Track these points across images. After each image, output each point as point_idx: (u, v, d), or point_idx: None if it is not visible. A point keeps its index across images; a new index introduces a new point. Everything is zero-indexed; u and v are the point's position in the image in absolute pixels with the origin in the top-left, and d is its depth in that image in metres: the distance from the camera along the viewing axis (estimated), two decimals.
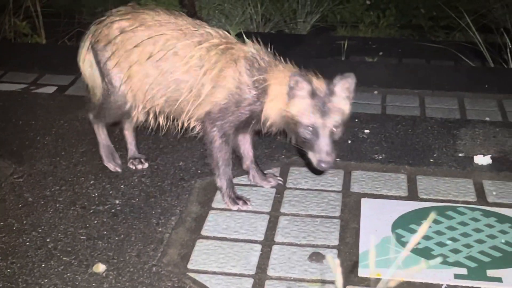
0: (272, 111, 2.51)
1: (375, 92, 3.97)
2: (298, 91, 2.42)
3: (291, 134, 2.50)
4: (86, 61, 2.78)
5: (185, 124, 2.64)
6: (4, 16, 4.95)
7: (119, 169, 2.86)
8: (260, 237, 2.46)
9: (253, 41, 2.61)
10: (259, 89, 2.52)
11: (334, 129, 2.40)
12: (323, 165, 2.39)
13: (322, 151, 2.39)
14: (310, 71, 2.51)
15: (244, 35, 2.76)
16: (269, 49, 2.63)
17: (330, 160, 2.39)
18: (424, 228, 1.07)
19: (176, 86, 2.59)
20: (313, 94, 2.41)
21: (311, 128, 2.39)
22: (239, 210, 2.60)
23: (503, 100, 3.75)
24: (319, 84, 2.45)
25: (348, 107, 2.47)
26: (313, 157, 2.42)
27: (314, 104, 2.40)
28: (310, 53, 4.86)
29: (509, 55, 4.51)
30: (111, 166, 2.87)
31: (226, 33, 2.65)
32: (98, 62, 2.72)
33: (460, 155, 3.00)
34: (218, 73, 2.53)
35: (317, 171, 2.76)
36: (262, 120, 2.54)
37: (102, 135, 2.90)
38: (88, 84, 2.84)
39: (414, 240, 1.10)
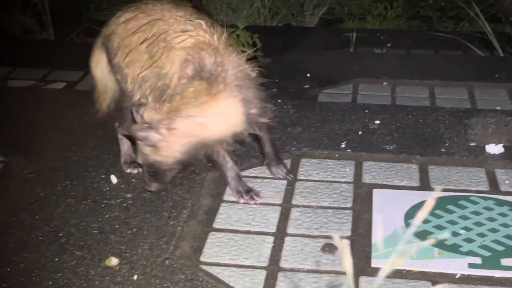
0: None
1: (385, 83, 3.97)
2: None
3: None
4: (98, 65, 2.71)
5: None
6: (12, 13, 4.95)
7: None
8: (272, 229, 2.45)
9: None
10: None
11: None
12: None
13: None
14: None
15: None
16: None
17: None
18: (423, 213, 1.06)
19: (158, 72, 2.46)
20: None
21: None
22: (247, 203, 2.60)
23: None
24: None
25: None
26: None
27: None
28: (318, 46, 4.85)
29: None
30: (134, 171, 2.83)
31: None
32: (109, 61, 2.65)
33: (471, 144, 2.98)
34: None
35: None
36: None
37: (125, 145, 2.85)
38: (99, 89, 2.76)
39: (414, 226, 1.09)
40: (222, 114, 2.40)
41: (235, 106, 2.41)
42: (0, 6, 5.38)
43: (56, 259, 2.30)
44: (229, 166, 2.59)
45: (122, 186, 2.72)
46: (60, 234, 2.43)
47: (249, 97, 2.45)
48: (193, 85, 2.37)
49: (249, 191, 2.61)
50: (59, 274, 2.23)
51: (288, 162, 2.87)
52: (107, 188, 2.70)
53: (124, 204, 2.60)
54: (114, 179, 2.76)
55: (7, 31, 4.96)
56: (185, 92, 2.37)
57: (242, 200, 2.59)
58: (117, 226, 2.47)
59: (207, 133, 2.41)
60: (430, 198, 1.03)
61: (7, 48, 4.70)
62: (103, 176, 2.78)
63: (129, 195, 2.66)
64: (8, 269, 2.25)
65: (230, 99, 2.40)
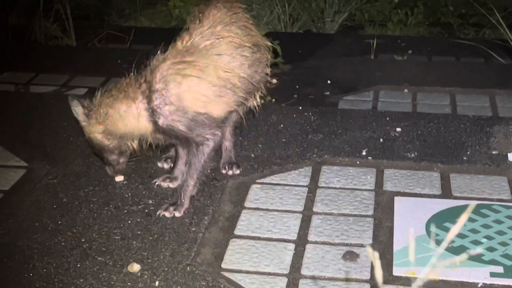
0: None
1: (405, 90, 3.96)
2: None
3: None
4: None
5: None
6: (35, 19, 5.00)
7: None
8: (294, 236, 2.46)
9: None
10: None
11: None
12: None
13: None
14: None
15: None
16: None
17: None
18: (460, 224, 1.06)
19: None
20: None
21: None
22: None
23: None
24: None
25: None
26: None
27: None
28: (338, 52, 4.86)
29: None
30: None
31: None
32: None
33: (493, 152, 2.97)
34: None
35: None
36: None
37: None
38: None
39: (449, 236, 1.09)
40: (124, 114, 2.57)
41: (138, 111, 2.56)
42: (23, 12, 5.44)
43: (79, 265, 2.32)
44: None
45: (144, 192, 2.73)
46: (83, 240, 2.45)
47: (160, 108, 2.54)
48: (122, 83, 2.60)
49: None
50: (82, 280, 2.24)
51: (309, 169, 2.87)
52: (129, 194, 2.72)
53: (146, 210, 2.62)
54: (119, 178, 2.81)
55: (30, 36, 5.00)
56: (113, 88, 2.62)
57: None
58: (139, 232, 2.49)
59: (113, 126, 2.61)
60: (466, 213, 1.03)
61: (29, 53, 4.75)
62: (125, 182, 2.80)
63: (150, 201, 2.67)
64: (31, 274, 2.27)
65: (136, 104, 2.55)
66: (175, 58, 2.52)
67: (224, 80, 2.54)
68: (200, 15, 2.61)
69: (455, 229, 1.05)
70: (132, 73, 2.60)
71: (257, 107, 2.78)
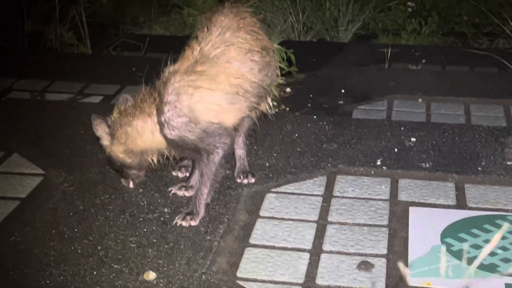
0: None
1: (420, 100, 3.97)
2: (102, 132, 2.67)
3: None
4: None
5: None
6: (50, 27, 5.04)
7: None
8: (308, 245, 2.46)
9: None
10: None
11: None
12: None
13: None
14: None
15: None
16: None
17: None
18: (496, 239, 1.07)
19: None
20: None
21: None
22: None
23: None
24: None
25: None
26: None
27: None
28: (352, 61, 4.87)
29: None
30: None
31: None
32: None
33: (509, 163, 2.97)
34: None
35: None
36: None
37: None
38: None
39: (484, 252, 1.10)
40: (141, 130, 2.60)
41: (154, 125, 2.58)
42: (38, 19, 5.49)
43: (95, 272, 2.33)
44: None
45: (159, 200, 2.75)
46: (99, 247, 2.46)
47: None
48: (137, 99, 2.62)
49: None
50: (98, 287, 2.26)
51: (323, 179, 2.88)
52: (145, 202, 2.74)
53: (162, 219, 2.63)
54: (131, 184, 2.82)
55: (45, 44, 5.04)
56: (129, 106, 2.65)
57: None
58: (155, 240, 2.50)
59: (133, 144, 2.63)
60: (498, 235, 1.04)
61: (45, 61, 4.79)
62: (140, 190, 2.81)
63: (166, 210, 2.68)
64: (48, 282, 2.29)
65: (152, 119, 2.58)
66: (186, 69, 2.54)
67: (236, 86, 2.56)
68: (208, 22, 2.63)
69: (488, 248, 1.06)
70: (146, 86, 2.61)
71: (269, 111, 2.80)
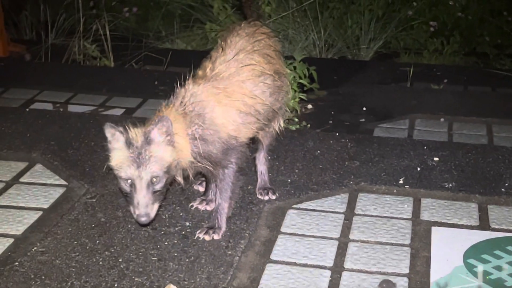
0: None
1: (442, 119, 3.95)
2: (114, 142, 2.41)
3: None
4: None
5: None
6: (74, 39, 5.08)
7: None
8: (330, 263, 2.45)
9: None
10: None
11: (154, 179, 2.38)
12: (142, 219, 2.37)
13: (139, 205, 2.36)
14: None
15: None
16: None
17: (146, 213, 2.36)
18: None
19: None
20: (128, 144, 2.37)
21: (129, 181, 2.38)
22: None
23: None
24: (136, 132, 2.40)
25: (169, 152, 2.41)
26: (132, 211, 2.39)
27: (129, 156, 2.37)
28: (374, 79, 4.87)
29: None
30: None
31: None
32: None
33: None
34: None
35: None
36: None
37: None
38: None
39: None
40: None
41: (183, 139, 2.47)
42: (62, 32, 5.54)
43: (116, 284, 2.33)
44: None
45: (181, 214, 2.75)
46: (120, 260, 2.46)
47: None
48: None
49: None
50: None
51: (345, 196, 2.87)
52: (166, 216, 2.74)
53: (183, 232, 2.63)
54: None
55: (69, 56, 5.08)
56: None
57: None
58: (176, 254, 2.50)
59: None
60: None
61: (68, 73, 4.82)
62: (162, 203, 2.81)
63: (187, 224, 2.68)
64: None
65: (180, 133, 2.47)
66: (207, 84, 2.55)
67: (249, 106, 2.59)
68: (223, 43, 2.64)
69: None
70: (168, 102, 2.56)
71: (280, 132, 2.84)
